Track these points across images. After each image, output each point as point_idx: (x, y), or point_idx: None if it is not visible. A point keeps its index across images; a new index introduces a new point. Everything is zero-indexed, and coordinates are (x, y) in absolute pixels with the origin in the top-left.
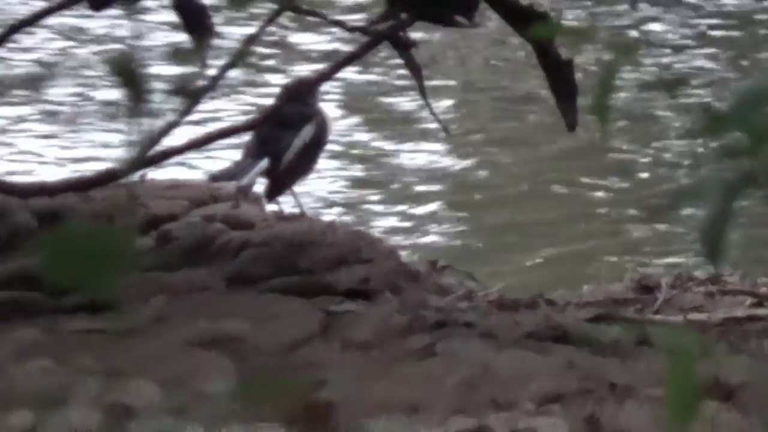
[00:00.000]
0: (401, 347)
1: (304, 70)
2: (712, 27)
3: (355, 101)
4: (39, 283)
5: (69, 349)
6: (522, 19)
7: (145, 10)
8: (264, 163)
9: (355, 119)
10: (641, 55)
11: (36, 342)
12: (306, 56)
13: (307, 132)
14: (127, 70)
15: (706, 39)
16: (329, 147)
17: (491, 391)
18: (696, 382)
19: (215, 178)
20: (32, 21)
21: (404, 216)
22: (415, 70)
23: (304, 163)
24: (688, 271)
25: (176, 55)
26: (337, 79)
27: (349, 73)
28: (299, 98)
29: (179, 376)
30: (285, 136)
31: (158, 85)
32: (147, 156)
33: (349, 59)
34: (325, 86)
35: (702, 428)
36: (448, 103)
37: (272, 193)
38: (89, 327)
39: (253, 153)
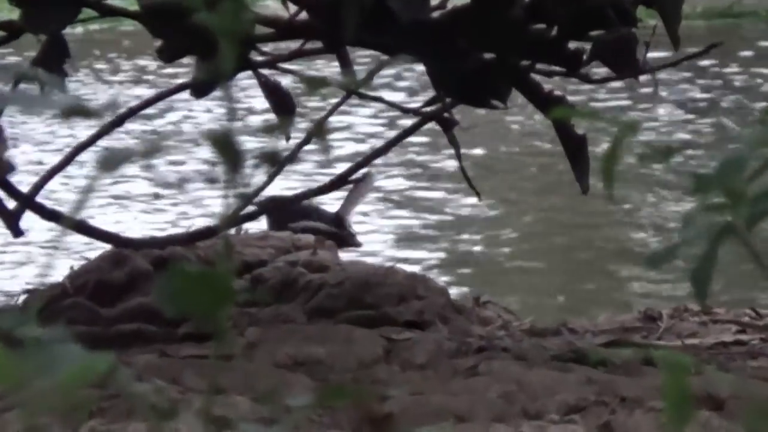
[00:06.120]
0: (450, 367)
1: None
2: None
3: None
4: (154, 316)
5: (178, 371)
6: (544, 102)
7: (239, 96)
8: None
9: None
10: (640, 131)
11: (151, 366)
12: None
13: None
14: (225, 144)
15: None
16: None
17: (523, 404)
18: (689, 395)
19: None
20: (143, 107)
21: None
22: (456, 146)
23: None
24: (685, 303)
25: (265, 130)
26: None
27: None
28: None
29: (268, 393)
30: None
31: (250, 156)
32: (241, 214)
33: (400, 137)
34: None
35: None
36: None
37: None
38: (195, 353)
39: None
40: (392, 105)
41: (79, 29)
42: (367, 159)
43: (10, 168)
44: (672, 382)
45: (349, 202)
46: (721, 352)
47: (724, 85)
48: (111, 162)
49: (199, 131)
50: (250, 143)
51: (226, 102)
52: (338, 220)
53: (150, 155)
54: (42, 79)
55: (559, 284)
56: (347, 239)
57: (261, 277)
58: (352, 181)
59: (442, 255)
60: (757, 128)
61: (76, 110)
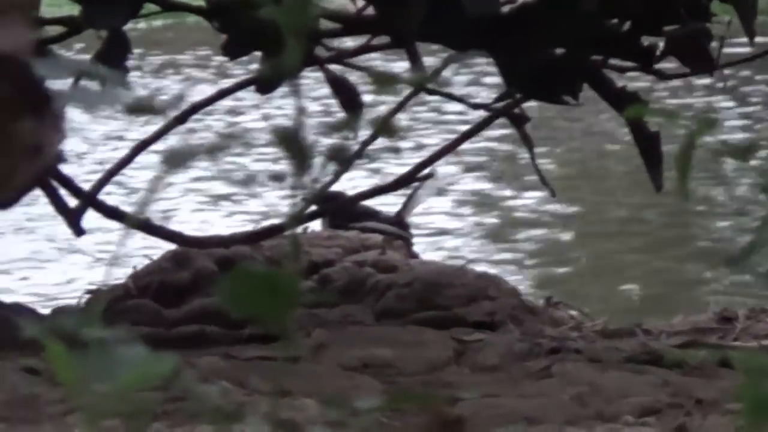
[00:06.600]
0: (522, 369)
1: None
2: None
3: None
4: (218, 317)
5: (244, 373)
6: (618, 99)
7: (306, 90)
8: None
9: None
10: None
11: (216, 368)
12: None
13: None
14: (292, 141)
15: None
16: None
17: (597, 406)
18: (767, 397)
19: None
20: (207, 104)
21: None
22: (528, 142)
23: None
24: (762, 304)
25: (332, 127)
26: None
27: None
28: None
29: (336, 395)
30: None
31: (317, 154)
32: (307, 212)
33: (469, 134)
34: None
35: None
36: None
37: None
38: (261, 354)
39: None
40: (461, 101)
41: (141, 25)
42: (433, 158)
43: (61, 158)
44: (749, 384)
45: (410, 204)
46: None
47: None
48: (176, 159)
49: (269, 129)
50: (321, 140)
51: (294, 98)
52: (400, 222)
53: (215, 153)
54: (103, 75)
55: (634, 283)
56: (408, 242)
57: (328, 278)
58: (418, 179)
59: (517, 255)
60: None
61: (139, 107)
